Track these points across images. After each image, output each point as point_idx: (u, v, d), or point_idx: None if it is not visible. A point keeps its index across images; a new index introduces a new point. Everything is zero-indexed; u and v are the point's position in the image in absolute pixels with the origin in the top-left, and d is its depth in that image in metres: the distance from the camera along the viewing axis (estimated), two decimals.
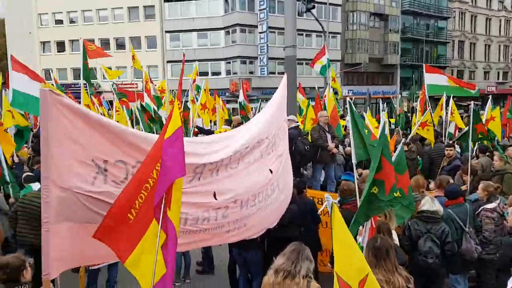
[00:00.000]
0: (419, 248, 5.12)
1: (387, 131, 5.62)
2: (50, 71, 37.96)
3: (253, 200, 4.20)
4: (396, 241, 4.84)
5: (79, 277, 4.98)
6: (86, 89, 8.96)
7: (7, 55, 42.74)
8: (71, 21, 42.56)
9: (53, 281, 3.26)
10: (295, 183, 5.73)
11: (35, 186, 6.55)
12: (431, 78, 12.17)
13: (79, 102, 8.85)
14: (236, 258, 6.01)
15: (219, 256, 7.46)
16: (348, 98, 5.39)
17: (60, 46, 42.76)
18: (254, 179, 4.20)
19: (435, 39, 50.53)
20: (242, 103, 15.68)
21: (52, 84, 13.14)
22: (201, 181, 3.77)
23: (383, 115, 5.45)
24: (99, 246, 3.15)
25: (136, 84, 35.22)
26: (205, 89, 13.27)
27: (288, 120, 6.86)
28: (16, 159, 9.57)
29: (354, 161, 4.78)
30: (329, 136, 9.17)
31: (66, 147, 3.09)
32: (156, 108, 13.22)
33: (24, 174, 7.49)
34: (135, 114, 12.16)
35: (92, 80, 9.68)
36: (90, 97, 10.22)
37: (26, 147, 11.03)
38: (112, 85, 13.92)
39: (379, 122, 9.29)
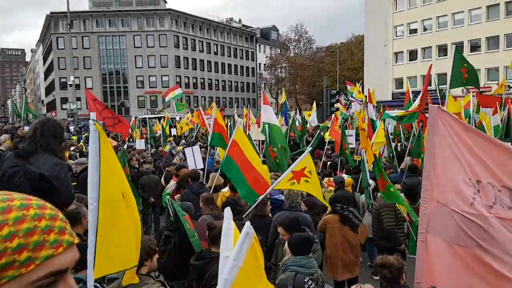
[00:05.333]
0: None
1: None
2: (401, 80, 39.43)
3: None
4: None
5: None
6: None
7: (363, 68, 47.68)
8: (424, 29, 43.16)
9: None
10: None
11: None
12: None
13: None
14: None
15: None
16: None
17: (412, 55, 44.15)
18: None
19: None
20: None
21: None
22: None
23: None
24: (463, 275, 3.07)
25: (490, 87, 32.04)
26: None
27: None
28: None
29: None
30: None
31: (449, 163, 3.15)
32: None
33: None
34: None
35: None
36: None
37: None
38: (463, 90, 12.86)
39: None
